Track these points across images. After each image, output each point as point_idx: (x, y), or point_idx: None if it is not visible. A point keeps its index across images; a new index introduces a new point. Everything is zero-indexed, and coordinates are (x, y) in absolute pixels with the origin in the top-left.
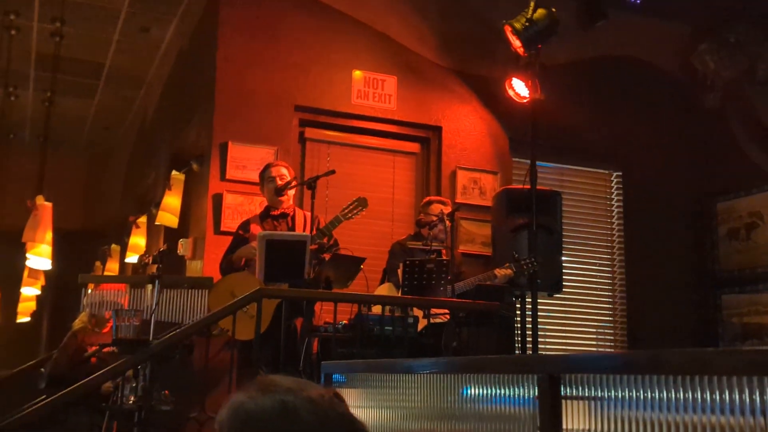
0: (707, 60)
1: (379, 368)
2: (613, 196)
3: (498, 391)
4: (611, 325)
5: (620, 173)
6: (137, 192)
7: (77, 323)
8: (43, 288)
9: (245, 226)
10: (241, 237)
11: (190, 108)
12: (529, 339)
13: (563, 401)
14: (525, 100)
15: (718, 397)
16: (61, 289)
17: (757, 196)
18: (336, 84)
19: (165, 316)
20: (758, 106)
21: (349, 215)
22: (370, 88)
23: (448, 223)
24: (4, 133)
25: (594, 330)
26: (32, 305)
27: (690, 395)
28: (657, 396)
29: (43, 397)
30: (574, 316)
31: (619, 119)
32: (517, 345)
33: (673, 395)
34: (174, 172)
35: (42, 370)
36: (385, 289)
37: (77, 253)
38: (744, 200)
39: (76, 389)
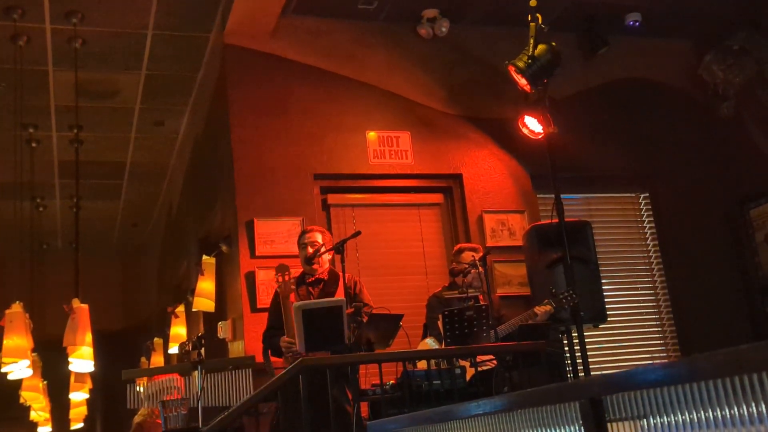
0: (715, 70)
1: (425, 418)
2: (644, 218)
3: (543, 422)
4: (662, 346)
5: (647, 194)
6: (172, 282)
7: (138, 417)
8: (91, 391)
9: (278, 296)
10: (276, 311)
11: (213, 192)
12: (581, 373)
13: (609, 425)
14: (540, 136)
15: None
16: (109, 390)
17: None
18: (351, 147)
19: (212, 401)
20: None
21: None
22: (385, 147)
23: (480, 268)
24: (37, 244)
25: (646, 354)
26: (83, 410)
27: (732, 397)
28: (699, 403)
29: None
30: (624, 343)
31: (638, 141)
32: (569, 380)
33: (715, 400)
34: (204, 257)
35: None
36: (426, 344)
37: (121, 352)
38: None
39: None
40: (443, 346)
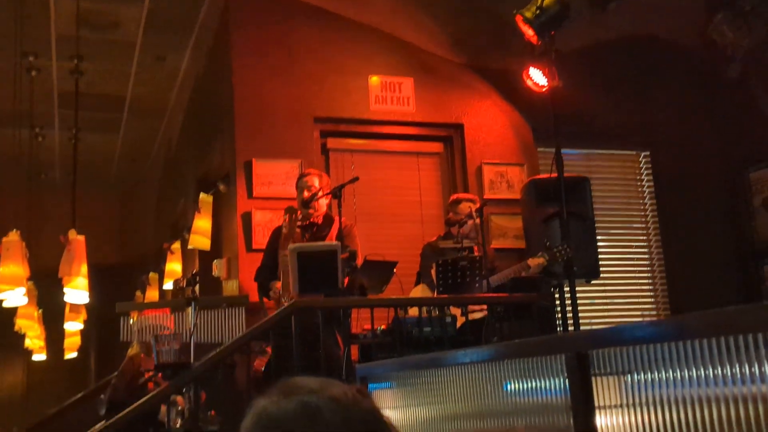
0: (725, 30)
1: (415, 364)
2: (643, 177)
3: (531, 372)
4: (653, 305)
5: (648, 153)
6: (169, 219)
7: (131, 350)
8: (85, 323)
9: (276, 235)
10: (273, 249)
11: (212, 131)
12: (571, 327)
13: (593, 378)
14: (544, 89)
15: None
16: (104, 323)
17: None
18: (353, 92)
19: (205, 337)
20: None
21: None
22: (387, 92)
23: (477, 220)
24: (35, 174)
25: (636, 312)
26: (77, 340)
27: (717, 358)
28: (684, 361)
29: (102, 423)
30: (615, 299)
31: (642, 99)
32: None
33: (699, 359)
34: (202, 195)
35: (102, 396)
36: (419, 292)
37: (116, 286)
38: None
39: (126, 415)
40: (435, 295)
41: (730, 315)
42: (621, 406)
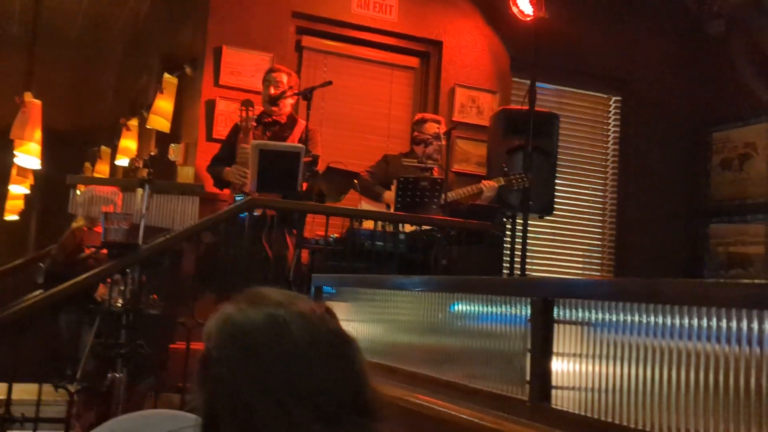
0: None
1: (371, 283)
2: (610, 121)
3: (489, 310)
4: (600, 249)
5: (619, 98)
6: (129, 94)
7: (75, 223)
8: (31, 187)
9: (236, 130)
10: (230, 143)
11: (185, 8)
12: (517, 259)
13: (555, 325)
14: (529, 18)
15: (715, 325)
16: (50, 190)
17: (753, 127)
18: None
19: (155, 221)
20: (761, 36)
21: None
22: None
23: (444, 141)
24: None
25: (582, 254)
26: (20, 204)
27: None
28: (650, 322)
29: (40, 292)
30: (564, 239)
31: (622, 44)
32: (505, 264)
33: (668, 322)
34: (166, 75)
35: (41, 265)
36: (390, 198)
37: (66, 153)
38: (740, 130)
39: (67, 288)
40: (363, 200)
41: (705, 287)
42: (578, 355)
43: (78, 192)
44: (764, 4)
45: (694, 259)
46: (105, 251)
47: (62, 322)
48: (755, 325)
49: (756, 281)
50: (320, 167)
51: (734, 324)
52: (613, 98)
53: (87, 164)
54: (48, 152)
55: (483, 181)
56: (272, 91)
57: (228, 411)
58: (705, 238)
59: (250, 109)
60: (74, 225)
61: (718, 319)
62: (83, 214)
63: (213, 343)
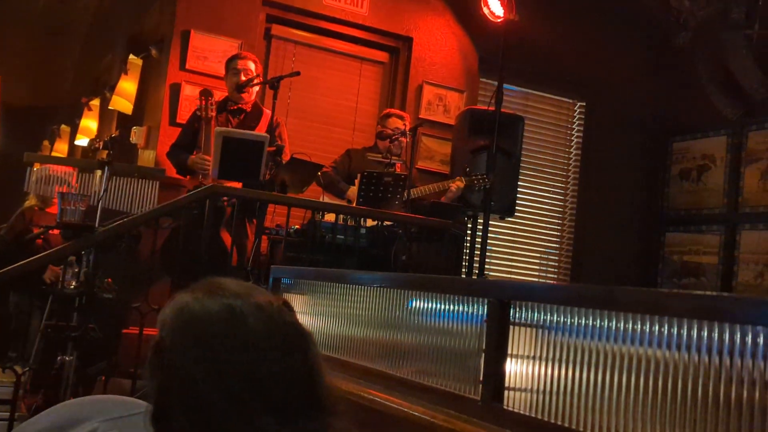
0: None
1: (330, 277)
2: (574, 126)
3: (447, 308)
4: (557, 252)
5: (584, 103)
6: (92, 72)
7: (27, 202)
8: None
9: (195, 118)
10: (192, 129)
11: None
12: (476, 259)
13: (511, 327)
14: (499, 20)
15: (666, 332)
16: (6, 166)
17: (712, 139)
18: None
19: (113, 204)
20: (725, 50)
21: None
22: None
23: (410, 138)
24: None
25: (540, 256)
26: None
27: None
28: (603, 327)
29: None
30: (523, 240)
31: (589, 50)
32: (464, 264)
33: (621, 327)
34: (131, 57)
35: None
36: (354, 190)
37: (24, 130)
38: (699, 142)
39: (16, 268)
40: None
41: (660, 297)
42: (532, 357)
43: (34, 170)
44: (731, 19)
45: (648, 266)
46: (56, 231)
47: (11, 303)
48: (704, 334)
49: (707, 293)
50: (285, 157)
51: (684, 332)
52: (578, 103)
53: (45, 142)
54: (5, 128)
55: (448, 182)
56: (242, 78)
57: (179, 399)
58: (660, 246)
59: (210, 98)
60: (26, 204)
61: (670, 327)
62: (37, 192)
63: (167, 330)
